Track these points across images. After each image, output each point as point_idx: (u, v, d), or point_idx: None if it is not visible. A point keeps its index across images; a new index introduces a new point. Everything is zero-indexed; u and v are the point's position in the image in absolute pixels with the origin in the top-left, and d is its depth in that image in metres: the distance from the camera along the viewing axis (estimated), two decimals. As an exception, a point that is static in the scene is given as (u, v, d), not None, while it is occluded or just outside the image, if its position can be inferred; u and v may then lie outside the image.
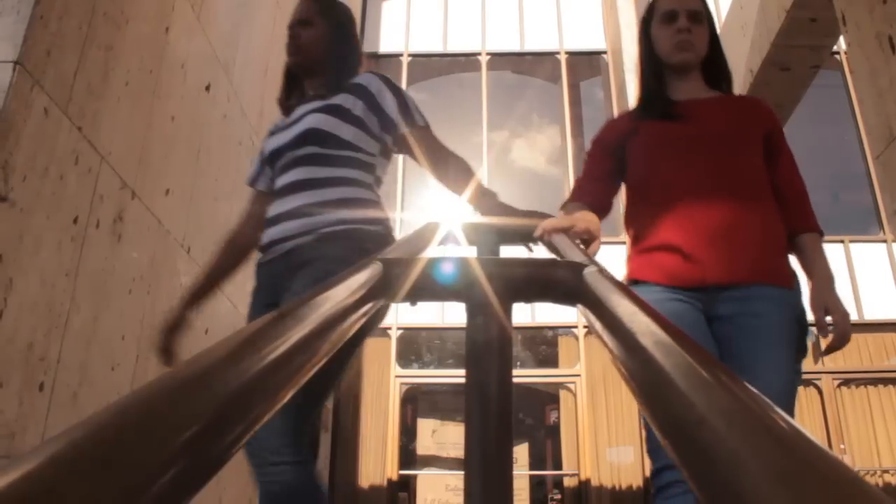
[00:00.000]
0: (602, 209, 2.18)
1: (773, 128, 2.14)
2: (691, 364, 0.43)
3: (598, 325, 0.69)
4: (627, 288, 0.75)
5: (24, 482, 0.23)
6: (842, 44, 8.78)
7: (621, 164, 2.24)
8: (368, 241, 1.94)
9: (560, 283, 0.86)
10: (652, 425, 0.44)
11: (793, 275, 2.00)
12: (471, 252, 1.76)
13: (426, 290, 0.89)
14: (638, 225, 2.14)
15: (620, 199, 8.43)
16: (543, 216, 1.95)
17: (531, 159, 11.14)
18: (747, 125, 2.07)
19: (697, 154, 1.99)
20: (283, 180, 2.09)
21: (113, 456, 0.28)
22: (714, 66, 2.20)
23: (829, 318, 1.92)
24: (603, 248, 1.87)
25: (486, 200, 2.21)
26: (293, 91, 2.39)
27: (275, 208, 2.09)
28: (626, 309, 0.63)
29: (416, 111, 2.22)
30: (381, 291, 0.83)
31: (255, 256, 2.29)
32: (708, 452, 0.33)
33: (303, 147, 2.06)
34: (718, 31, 7.06)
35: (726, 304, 1.84)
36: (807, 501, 0.27)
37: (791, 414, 1.83)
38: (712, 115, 2.07)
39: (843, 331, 1.88)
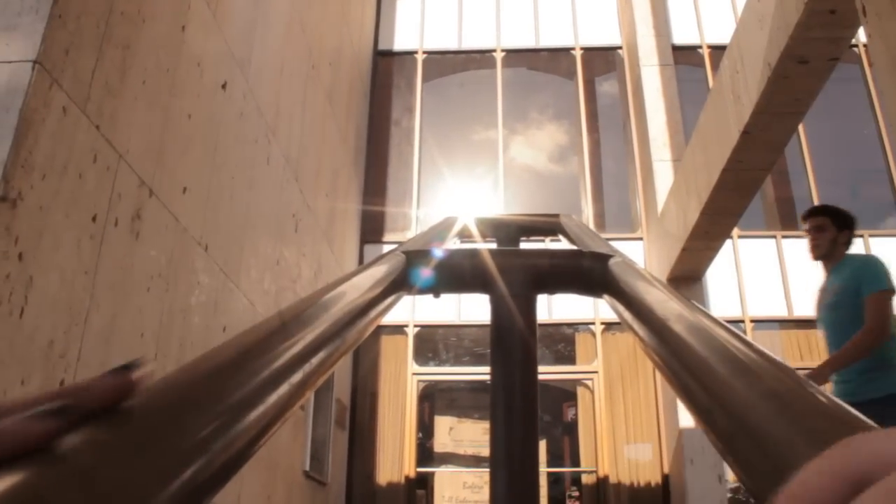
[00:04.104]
0: None
1: None
2: (730, 348, 0.41)
3: (626, 315, 0.68)
4: (654, 277, 0.74)
5: (60, 465, 0.23)
6: (860, 36, 8.69)
7: None
8: None
9: (585, 273, 0.85)
10: (690, 413, 0.42)
11: None
12: (491, 247, 1.75)
13: (450, 281, 0.88)
14: None
15: (639, 200, 8.30)
16: None
17: (546, 156, 11.10)
18: None
19: None
20: None
21: (146, 442, 0.27)
22: None
23: None
24: (621, 243, 1.79)
25: None
26: None
27: None
28: (655, 297, 0.61)
29: None
30: (405, 283, 0.82)
31: None
32: (756, 438, 0.32)
33: None
34: (735, 24, 6.96)
35: None
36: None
37: None
38: None
39: None
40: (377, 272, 0.76)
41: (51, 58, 3.02)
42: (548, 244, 1.90)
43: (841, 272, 3.61)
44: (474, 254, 0.88)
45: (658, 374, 8.65)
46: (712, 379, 0.40)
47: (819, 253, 3.70)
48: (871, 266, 3.57)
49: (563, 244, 1.68)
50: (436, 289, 0.88)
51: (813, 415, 0.31)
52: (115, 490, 0.23)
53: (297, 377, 0.44)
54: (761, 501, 0.32)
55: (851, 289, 3.48)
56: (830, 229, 3.68)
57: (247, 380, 0.37)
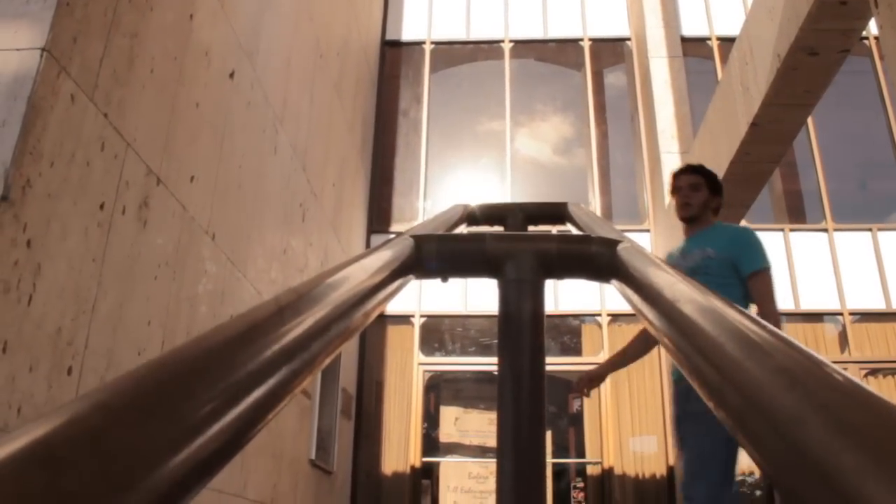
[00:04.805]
0: None
1: None
2: (740, 327, 0.41)
3: (635, 299, 0.68)
4: (663, 261, 0.74)
5: (71, 427, 0.23)
6: (871, 29, 8.64)
7: None
8: None
9: (594, 258, 0.85)
10: (701, 392, 0.42)
11: None
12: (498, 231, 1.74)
13: (458, 265, 0.88)
14: None
15: (646, 192, 8.28)
16: None
17: (554, 147, 11.08)
18: None
19: None
20: None
21: (155, 406, 0.27)
22: None
23: None
24: (629, 235, 1.77)
25: None
26: None
27: None
28: (665, 280, 0.61)
29: None
30: (413, 266, 0.82)
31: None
32: (768, 413, 0.32)
33: None
34: (745, 16, 6.92)
35: None
36: (875, 452, 0.26)
37: None
38: None
39: None
40: (385, 255, 0.76)
41: (59, 46, 3.03)
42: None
43: (710, 238, 3.41)
44: (482, 238, 0.88)
45: (664, 366, 8.65)
46: (723, 358, 0.40)
47: (690, 212, 3.50)
48: (754, 241, 3.40)
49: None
50: (443, 273, 0.88)
51: (824, 389, 0.31)
52: (123, 450, 0.23)
53: (306, 354, 0.44)
54: (774, 477, 0.31)
55: (726, 258, 3.30)
56: (704, 190, 3.52)
57: (255, 354, 0.37)
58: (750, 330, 0.41)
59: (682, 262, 3.43)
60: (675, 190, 3.57)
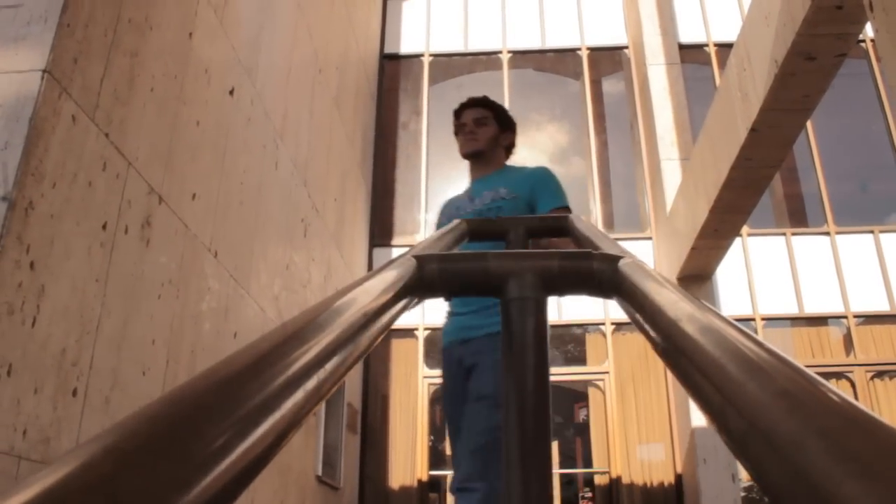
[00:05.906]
0: None
1: None
2: (742, 348, 0.42)
3: (637, 316, 0.68)
4: (665, 278, 0.74)
5: (84, 473, 0.23)
6: (867, 31, 8.66)
7: None
8: None
9: (595, 275, 0.85)
10: (703, 413, 0.43)
11: None
12: (499, 248, 1.74)
13: (460, 285, 0.88)
14: None
15: (647, 199, 8.27)
16: None
17: (553, 157, 11.09)
18: None
19: None
20: None
21: (167, 448, 0.28)
22: None
23: None
24: (630, 243, 1.77)
25: None
26: None
27: None
28: (667, 298, 0.62)
29: None
30: (416, 288, 0.82)
31: None
32: (769, 436, 0.33)
33: None
34: (742, 22, 6.96)
35: None
36: (878, 479, 0.26)
37: None
38: None
39: None
40: (388, 277, 0.76)
41: (60, 67, 3.04)
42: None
43: (503, 178, 3.04)
44: (484, 257, 0.88)
45: (670, 374, 8.63)
46: (724, 379, 0.40)
47: (475, 147, 3.11)
48: (551, 178, 3.06)
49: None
50: (446, 293, 0.88)
51: (825, 413, 0.31)
52: (137, 497, 0.23)
53: (311, 383, 0.44)
54: (775, 500, 0.32)
55: (521, 197, 2.91)
56: (492, 125, 3.17)
57: (263, 387, 0.38)
58: (753, 351, 0.41)
59: (468, 206, 3.01)
60: (459, 129, 3.16)
